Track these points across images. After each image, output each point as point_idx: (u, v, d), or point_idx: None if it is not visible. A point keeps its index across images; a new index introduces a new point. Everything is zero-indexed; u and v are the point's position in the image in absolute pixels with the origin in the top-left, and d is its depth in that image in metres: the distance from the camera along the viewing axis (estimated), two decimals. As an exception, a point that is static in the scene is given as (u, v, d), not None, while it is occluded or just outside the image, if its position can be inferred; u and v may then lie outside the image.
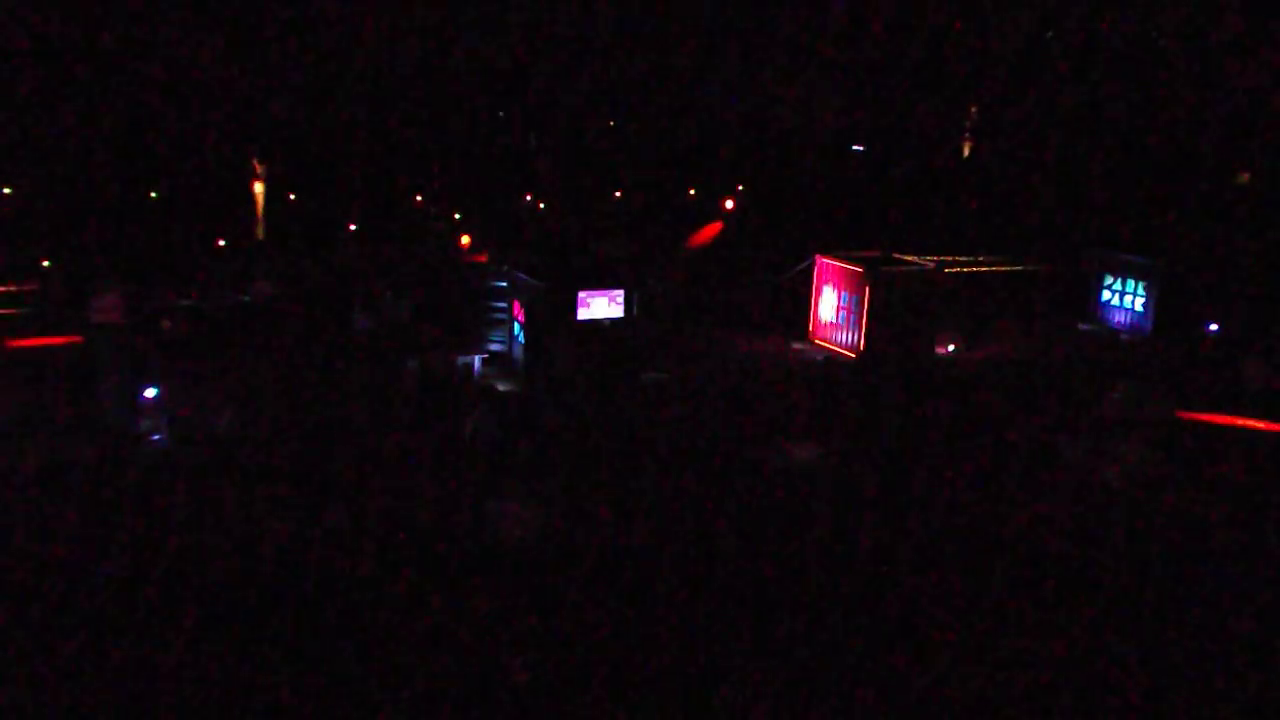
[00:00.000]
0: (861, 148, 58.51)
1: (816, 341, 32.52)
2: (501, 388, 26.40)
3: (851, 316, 31.11)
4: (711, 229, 48.12)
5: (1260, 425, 25.04)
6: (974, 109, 53.29)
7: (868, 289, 30.43)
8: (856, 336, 30.83)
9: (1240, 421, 25.31)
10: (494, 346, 29.12)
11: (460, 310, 30.36)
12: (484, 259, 37.04)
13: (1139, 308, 34.72)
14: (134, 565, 15.84)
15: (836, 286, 31.73)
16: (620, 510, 18.48)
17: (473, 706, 12.77)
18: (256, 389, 25.36)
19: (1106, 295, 35.99)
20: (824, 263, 32.51)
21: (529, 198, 51.90)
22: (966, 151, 54.52)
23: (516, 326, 28.51)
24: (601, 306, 27.73)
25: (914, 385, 27.26)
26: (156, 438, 21.83)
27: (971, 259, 34.48)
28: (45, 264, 32.96)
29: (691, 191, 54.23)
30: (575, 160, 55.92)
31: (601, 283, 28.10)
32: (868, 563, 16.87)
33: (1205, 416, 25.65)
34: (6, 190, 45.55)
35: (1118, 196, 46.82)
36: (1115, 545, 17.76)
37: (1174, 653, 14.40)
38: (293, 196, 48.04)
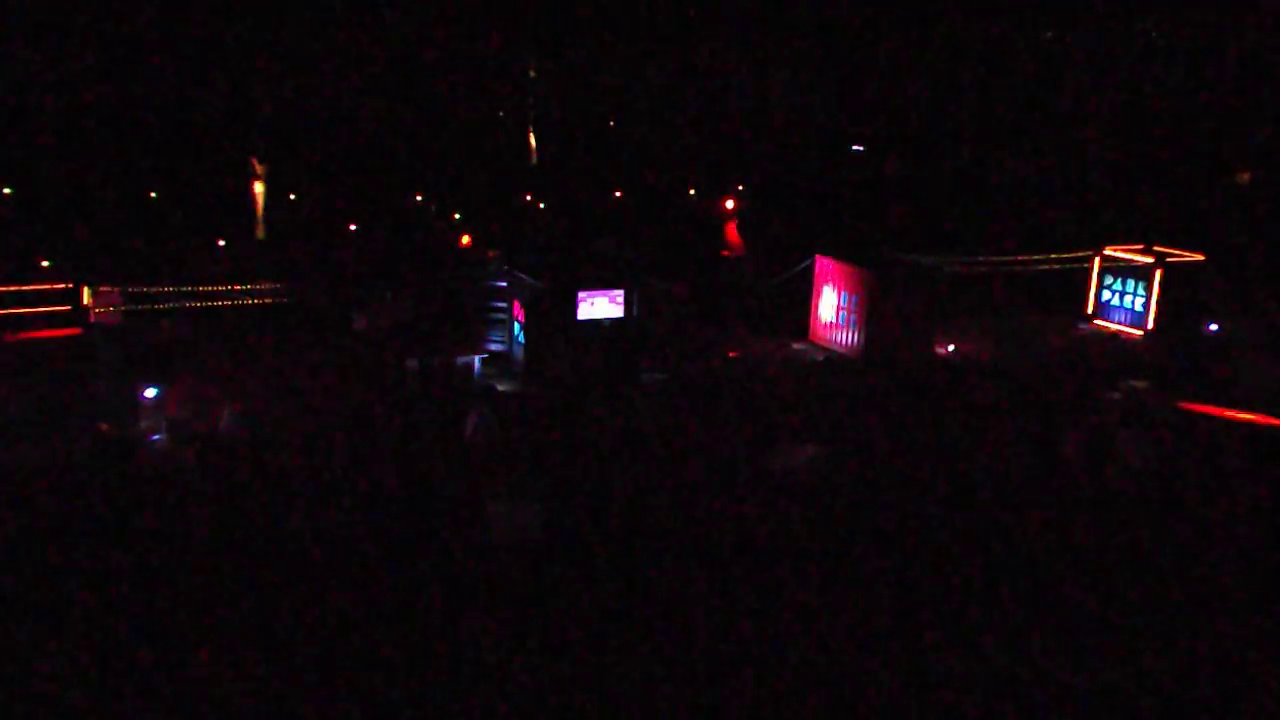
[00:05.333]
0: (861, 148, 58.53)
1: (816, 341, 32.46)
2: (501, 388, 26.39)
3: (851, 316, 31.03)
4: (731, 230, 48.00)
5: (1260, 419, 25.31)
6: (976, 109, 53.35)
7: (868, 289, 30.36)
8: (857, 336, 30.76)
9: (1240, 416, 25.52)
10: (494, 346, 29.09)
11: (460, 310, 30.31)
12: (488, 257, 36.90)
13: (1139, 308, 34.74)
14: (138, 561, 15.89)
15: (836, 286, 31.65)
16: (619, 509, 18.48)
17: (472, 702, 12.77)
18: (256, 389, 25.32)
19: (1106, 295, 36.01)
20: (824, 262, 32.43)
21: (529, 197, 51.82)
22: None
23: (516, 326, 28.50)
24: (602, 306, 27.75)
25: (914, 384, 27.25)
26: (156, 438, 21.84)
27: (972, 259, 34.43)
28: (44, 263, 32.90)
29: (691, 191, 54.16)
30: (575, 160, 55.90)
31: (601, 283, 28.12)
32: (867, 560, 16.87)
33: (1205, 409, 25.90)
34: (6, 190, 45.51)
35: (1118, 196, 46.81)
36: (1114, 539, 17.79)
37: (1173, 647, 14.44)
38: (293, 196, 47.98)
